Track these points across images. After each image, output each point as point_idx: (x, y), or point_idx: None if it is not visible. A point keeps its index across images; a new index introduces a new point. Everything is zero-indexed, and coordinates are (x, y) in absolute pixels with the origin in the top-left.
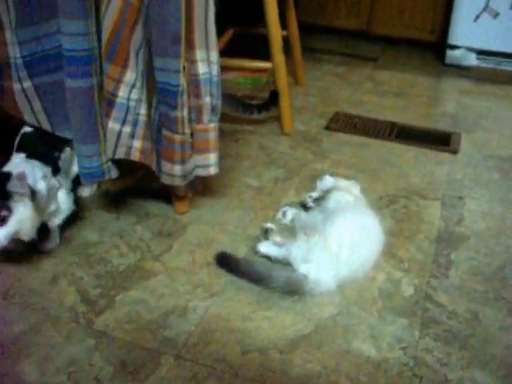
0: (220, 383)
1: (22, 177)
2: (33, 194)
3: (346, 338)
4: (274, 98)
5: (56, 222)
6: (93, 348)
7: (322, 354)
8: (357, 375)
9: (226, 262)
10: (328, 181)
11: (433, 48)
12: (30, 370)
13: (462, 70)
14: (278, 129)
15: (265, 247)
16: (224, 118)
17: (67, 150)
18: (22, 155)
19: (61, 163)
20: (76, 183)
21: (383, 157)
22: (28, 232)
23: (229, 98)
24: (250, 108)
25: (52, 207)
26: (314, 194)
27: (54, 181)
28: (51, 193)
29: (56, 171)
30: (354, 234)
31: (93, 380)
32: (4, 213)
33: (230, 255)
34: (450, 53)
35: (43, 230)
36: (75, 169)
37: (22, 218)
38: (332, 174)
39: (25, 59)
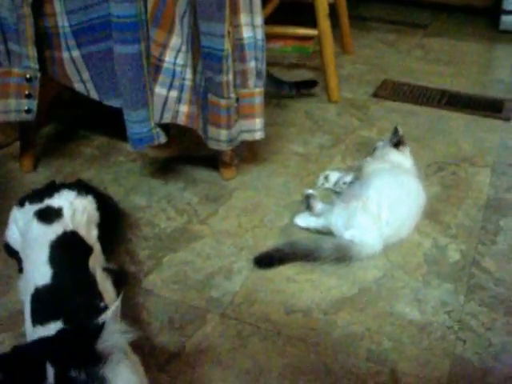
0: (264, 341)
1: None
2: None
3: (390, 301)
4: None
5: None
6: (140, 306)
7: (365, 316)
8: (399, 337)
9: (268, 257)
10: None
11: (486, 14)
12: None
13: None
14: (325, 96)
15: (302, 220)
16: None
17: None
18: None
19: None
20: None
21: (432, 124)
22: None
23: (274, 79)
24: (295, 86)
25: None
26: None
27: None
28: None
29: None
30: (392, 193)
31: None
32: None
33: (268, 251)
34: (504, 18)
35: None
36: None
37: None
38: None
39: (73, 28)
